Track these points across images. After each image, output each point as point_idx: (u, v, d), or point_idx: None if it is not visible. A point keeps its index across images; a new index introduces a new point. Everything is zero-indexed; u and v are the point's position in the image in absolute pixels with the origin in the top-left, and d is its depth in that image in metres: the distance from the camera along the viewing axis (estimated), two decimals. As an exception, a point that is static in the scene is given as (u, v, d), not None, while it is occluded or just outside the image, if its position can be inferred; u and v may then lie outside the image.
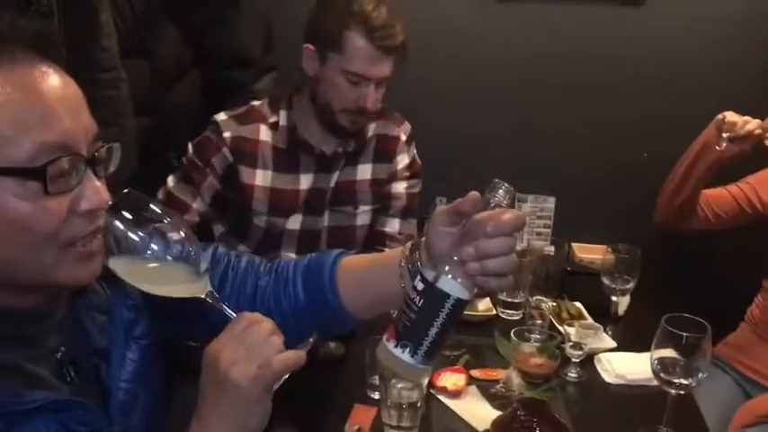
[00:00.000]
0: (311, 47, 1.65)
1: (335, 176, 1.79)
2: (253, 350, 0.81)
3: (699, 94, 2.11)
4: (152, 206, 0.87)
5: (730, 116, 1.66)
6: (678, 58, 2.11)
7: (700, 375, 1.26)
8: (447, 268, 0.84)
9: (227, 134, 1.72)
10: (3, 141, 0.73)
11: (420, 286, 0.85)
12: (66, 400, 0.80)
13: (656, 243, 1.83)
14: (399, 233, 1.87)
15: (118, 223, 0.84)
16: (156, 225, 0.86)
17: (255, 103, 1.78)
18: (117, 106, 1.55)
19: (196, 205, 1.76)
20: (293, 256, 1.82)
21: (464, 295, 0.84)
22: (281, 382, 0.84)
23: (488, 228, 0.83)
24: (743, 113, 1.66)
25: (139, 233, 0.85)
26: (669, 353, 1.27)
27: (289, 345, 0.84)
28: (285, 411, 0.88)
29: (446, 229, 0.89)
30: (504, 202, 0.87)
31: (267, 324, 0.84)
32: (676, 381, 1.27)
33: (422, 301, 0.84)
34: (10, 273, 0.78)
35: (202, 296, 0.89)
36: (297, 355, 0.84)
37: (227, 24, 1.97)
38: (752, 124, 1.63)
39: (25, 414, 0.76)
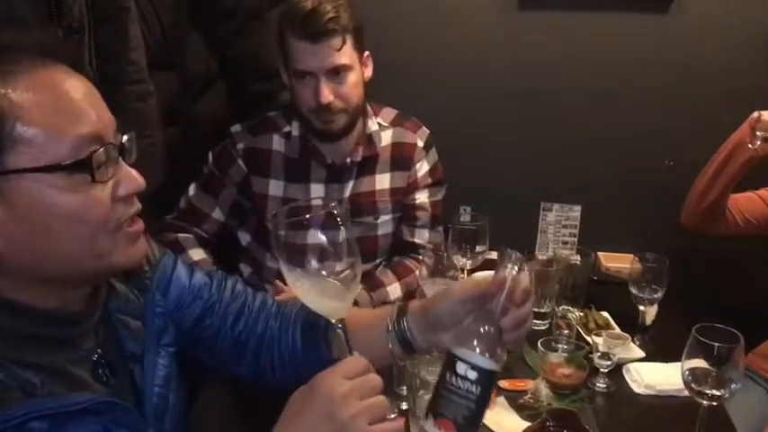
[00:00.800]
0: (281, 59, 1.69)
1: (349, 187, 1.80)
2: (371, 408, 0.79)
3: (724, 101, 2.09)
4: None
5: (766, 115, 1.64)
6: (702, 64, 2.10)
7: (732, 386, 1.23)
8: (479, 345, 0.86)
9: (240, 145, 1.76)
10: (44, 141, 0.76)
11: (472, 375, 0.85)
12: (108, 401, 0.82)
13: (684, 252, 1.81)
14: (429, 243, 1.88)
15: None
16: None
17: (271, 113, 1.81)
18: (146, 118, 1.57)
19: (215, 215, 1.79)
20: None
21: (498, 367, 0.88)
22: None
23: (518, 298, 0.91)
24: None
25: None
26: (700, 363, 1.25)
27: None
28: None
29: (468, 307, 0.93)
30: (516, 270, 0.91)
31: (379, 379, 0.83)
32: (708, 392, 1.25)
33: (478, 388, 0.85)
34: (70, 267, 0.81)
35: (333, 320, 0.90)
36: (395, 427, 0.83)
37: (251, 36, 2.00)
38: None
39: (69, 415, 0.78)
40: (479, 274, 1.64)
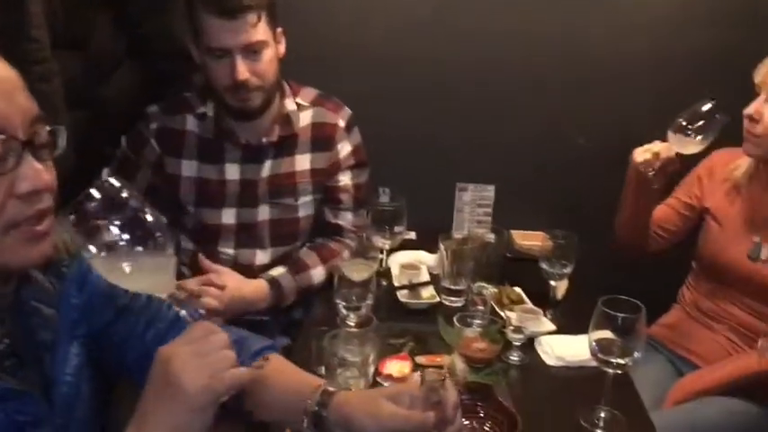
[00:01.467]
0: (191, 37, 1.66)
1: (267, 167, 1.79)
2: (207, 360, 0.81)
3: (634, 83, 2.18)
4: (125, 195, 0.87)
5: (639, 156, 1.71)
6: (614, 48, 2.17)
7: (636, 355, 1.30)
8: None
9: (154, 125, 1.75)
10: None
11: None
12: (9, 389, 0.80)
13: (594, 228, 1.88)
14: (353, 225, 1.89)
15: (90, 211, 0.84)
16: (130, 215, 0.86)
17: (187, 94, 1.79)
18: (50, 100, 1.51)
19: None
20: (231, 252, 1.82)
21: None
22: (224, 399, 0.83)
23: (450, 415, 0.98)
24: (677, 102, 1.71)
25: (115, 222, 0.85)
26: (606, 334, 1.31)
27: None
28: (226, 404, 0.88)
29: None
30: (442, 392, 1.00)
31: (223, 336, 0.84)
32: (613, 361, 1.31)
33: None
34: None
35: (165, 296, 0.89)
36: (249, 373, 0.84)
37: (162, 14, 1.94)
38: (662, 151, 1.68)
39: None
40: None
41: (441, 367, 1.48)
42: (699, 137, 1.64)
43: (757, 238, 1.73)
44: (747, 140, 1.69)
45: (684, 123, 1.65)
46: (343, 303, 1.49)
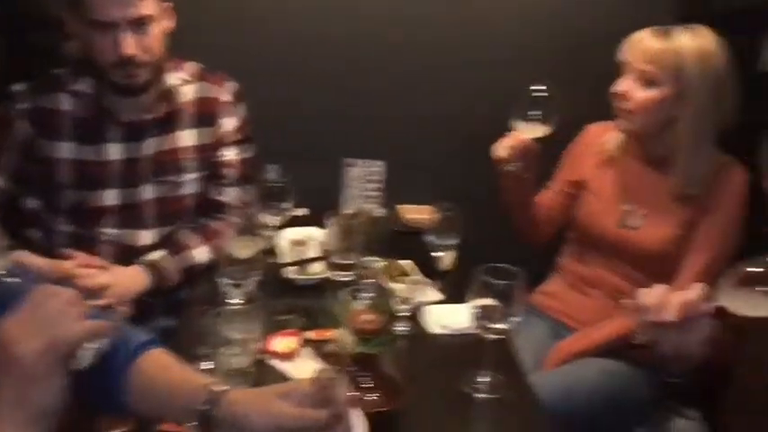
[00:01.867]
0: (66, 8, 1.58)
1: (150, 145, 1.73)
2: (42, 323, 0.77)
3: (516, 54, 2.24)
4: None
5: (498, 153, 1.78)
6: (497, 31, 2.23)
7: (514, 320, 1.35)
8: None
9: (23, 106, 1.64)
10: None
11: None
12: None
13: (480, 199, 1.93)
14: (237, 202, 1.85)
15: None
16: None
17: (58, 70, 1.69)
18: None
19: None
20: (115, 231, 1.75)
21: None
22: (86, 362, 0.79)
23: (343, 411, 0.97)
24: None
25: None
26: (486, 301, 1.36)
27: None
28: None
29: None
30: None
31: (65, 295, 0.79)
32: (493, 326, 1.36)
33: None
34: None
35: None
36: (95, 325, 0.80)
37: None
38: (515, 142, 1.76)
39: None
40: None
41: (330, 341, 1.49)
42: (541, 120, 1.72)
43: (627, 206, 1.83)
44: (619, 116, 1.78)
45: (525, 110, 1.72)
46: (228, 281, 1.47)
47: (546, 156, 2.00)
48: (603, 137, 1.92)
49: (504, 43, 2.26)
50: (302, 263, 1.78)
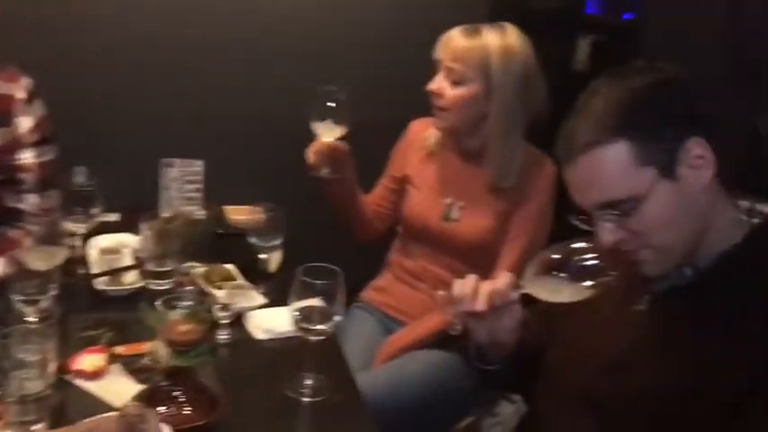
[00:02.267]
0: None
1: None
2: None
3: (332, 54, 2.23)
4: None
5: (310, 158, 1.78)
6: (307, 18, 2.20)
7: (336, 319, 1.33)
8: None
9: None
10: None
11: None
12: None
13: (308, 198, 1.90)
14: (39, 209, 1.68)
15: None
16: None
17: None
18: None
19: None
20: None
21: None
22: None
23: None
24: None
25: None
26: (307, 302, 1.32)
27: None
28: None
29: None
30: None
31: None
32: (315, 328, 1.32)
33: None
34: None
35: None
36: None
37: None
38: (320, 147, 1.77)
39: None
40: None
41: (143, 356, 1.39)
42: (335, 120, 1.72)
43: (449, 200, 1.87)
44: (435, 114, 1.81)
45: (319, 111, 1.72)
46: (21, 297, 1.32)
47: (377, 153, 2.02)
48: (425, 132, 1.95)
49: (323, 42, 2.24)
50: (114, 272, 1.65)
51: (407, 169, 1.97)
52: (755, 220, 1.14)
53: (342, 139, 1.77)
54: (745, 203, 1.16)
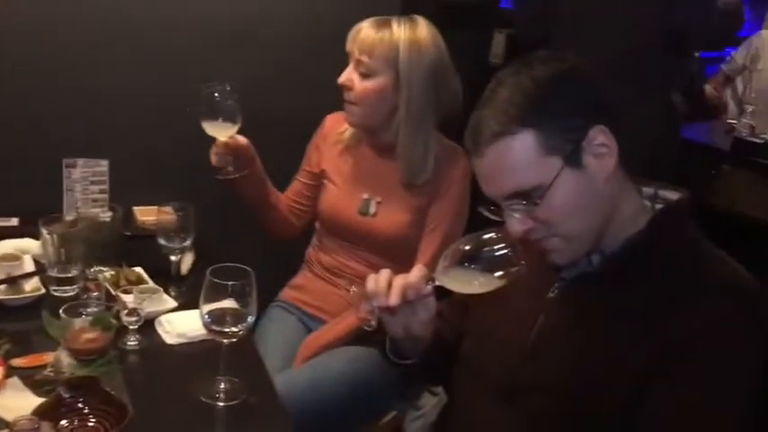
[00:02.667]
0: None
1: None
2: None
3: (237, 48, 2.18)
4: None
5: (212, 160, 1.74)
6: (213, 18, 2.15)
7: (249, 320, 1.29)
8: None
9: None
10: None
11: None
12: None
13: (219, 197, 1.84)
14: None
15: None
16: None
17: None
18: None
19: None
20: None
21: None
22: None
23: None
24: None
25: None
26: (219, 304, 1.28)
27: None
28: None
29: None
30: None
31: None
32: (228, 330, 1.28)
33: None
34: None
35: None
36: None
37: None
38: (220, 147, 1.73)
39: None
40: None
41: (44, 367, 1.32)
42: (222, 116, 1.67)
43: (366, 195, 1.85)
44: (346, 108, 1.79)
45: (207, 109, 1.67)
46: None
47: (292, 148, 1.98)
48: (340, 126, 1.92)
49: (231, 36, 2.18)
50: (12, 280, 1.56)
51: (323, 164, 1.94)
52: (659, 206, 1.18)
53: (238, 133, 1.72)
54: (649, 190, 1.20)
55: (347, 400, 1.69)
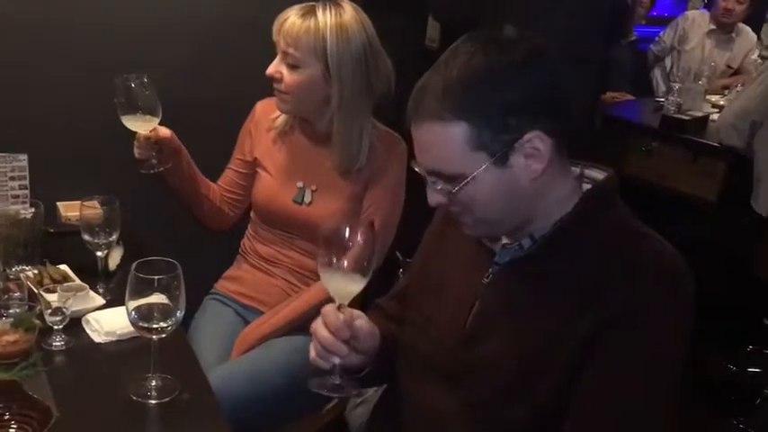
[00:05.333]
0: None
1: None
2: None
3: (163, 37, 2.12)
4: None
5: (135, 153, 1.68)
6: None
7: (178, 315, 1.25)
8: None
9: None
10: None
11: None
12: None
13: (145, 190, 1.78)
14: None
15: None
16: None
17: None
18: None
19: None
20: None
21: None
22: None
23: None
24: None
25: None
26: (146, 299, 1.24)
27: None
28: None
29: None
30: None
31: None
32: (156, 326, 1.25)
33: None
34: None
35: None
36: None
37: None
38: (142, 143, 1.67)
39: None
40: None
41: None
42: (141, 109, 1.62)
43: (300, 183, 1.82)
44: (276, 96, 1.75)
45: (124, 102, 1.61)
46: None
47: (224, 137, 1.93)
48: (272, 113, 1.88)
49: (156, 25, 2.11)
50: (-74, 284, 1.48)
51: (256, 152, 1.90)
52: (587, 186, 1.19)
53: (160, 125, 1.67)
54: (575, 170, 1.20)
55: (288, 391, 1.67)
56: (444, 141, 1.06)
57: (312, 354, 1.19)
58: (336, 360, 1.17)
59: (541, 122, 1.05)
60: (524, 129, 1.04)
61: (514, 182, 1.07)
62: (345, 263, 1.15)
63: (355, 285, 1.16)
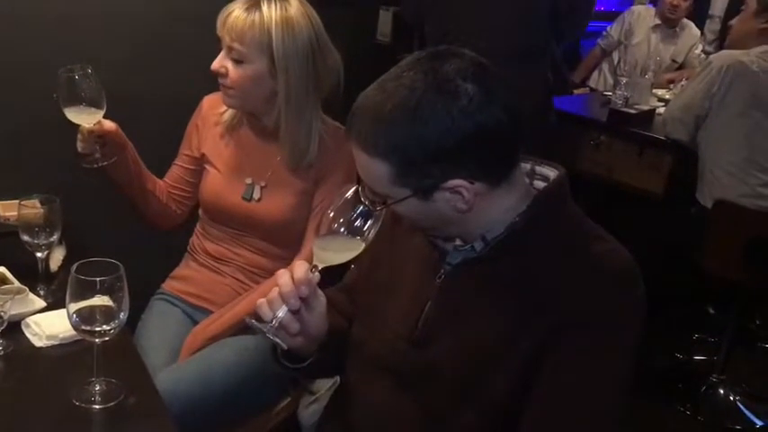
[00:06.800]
0: None
1: None
2: None
3: (111, 28, 2.05)
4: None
5: (78, 148, 1.63)
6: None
7: (122, 317, 1.22)
8: None
9: None
10: None
11: None
12: None
13: (87, 188, 1.73)
14: None
15: None
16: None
17: None
18: None
19: None
20: None
21: None
22: None
23: None
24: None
25: None
26: (88, 302, 1.20)
27: None
28: None
29: None
30: None
31: None
32: (99, 329, 1.20)
33: None
34: None
35: None
36: None
37: None
38: (84, 139, 1.63)
39: None
40: None
41: None
42: (85, 101, 1.57)
43: (249, 179, 1.79)
44: (223, 93, 1.72)
45: (65, 95, 1.56)
46: None
47: (170, 133, 1.88)
48: (219, 107, 1.84)
49: (101, 18, 2.05)
50: None
51: (203, 147, 1.86)
52: (539, 183, 1.18)
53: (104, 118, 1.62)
54: (526, 166, 1.20)
55: (238, 391, 1.64)
56: (369, 170, 1.06)
57: (261, 299, 1.12)
58: (281, 313, 1.09)
59: (469, 170, 1.04)
60: (449, 176, 1.04)
61: (442, 210, 1.08)
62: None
63: (353, 251, 1.12)
